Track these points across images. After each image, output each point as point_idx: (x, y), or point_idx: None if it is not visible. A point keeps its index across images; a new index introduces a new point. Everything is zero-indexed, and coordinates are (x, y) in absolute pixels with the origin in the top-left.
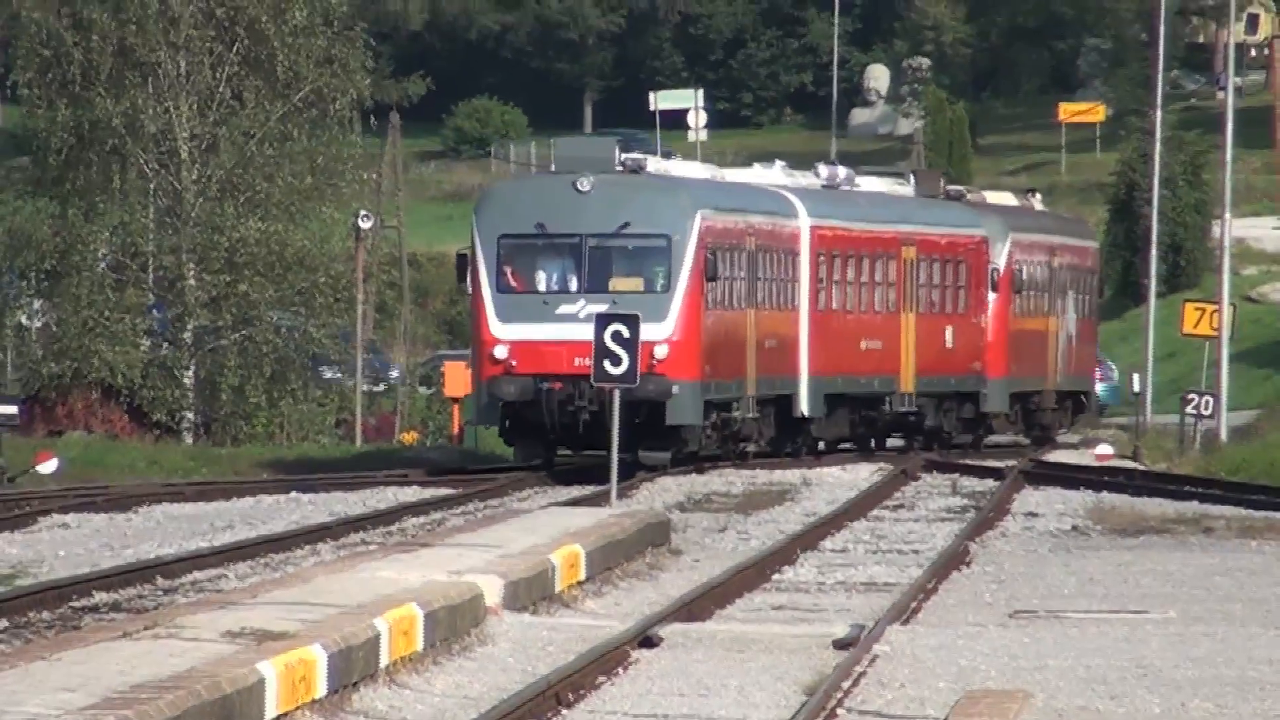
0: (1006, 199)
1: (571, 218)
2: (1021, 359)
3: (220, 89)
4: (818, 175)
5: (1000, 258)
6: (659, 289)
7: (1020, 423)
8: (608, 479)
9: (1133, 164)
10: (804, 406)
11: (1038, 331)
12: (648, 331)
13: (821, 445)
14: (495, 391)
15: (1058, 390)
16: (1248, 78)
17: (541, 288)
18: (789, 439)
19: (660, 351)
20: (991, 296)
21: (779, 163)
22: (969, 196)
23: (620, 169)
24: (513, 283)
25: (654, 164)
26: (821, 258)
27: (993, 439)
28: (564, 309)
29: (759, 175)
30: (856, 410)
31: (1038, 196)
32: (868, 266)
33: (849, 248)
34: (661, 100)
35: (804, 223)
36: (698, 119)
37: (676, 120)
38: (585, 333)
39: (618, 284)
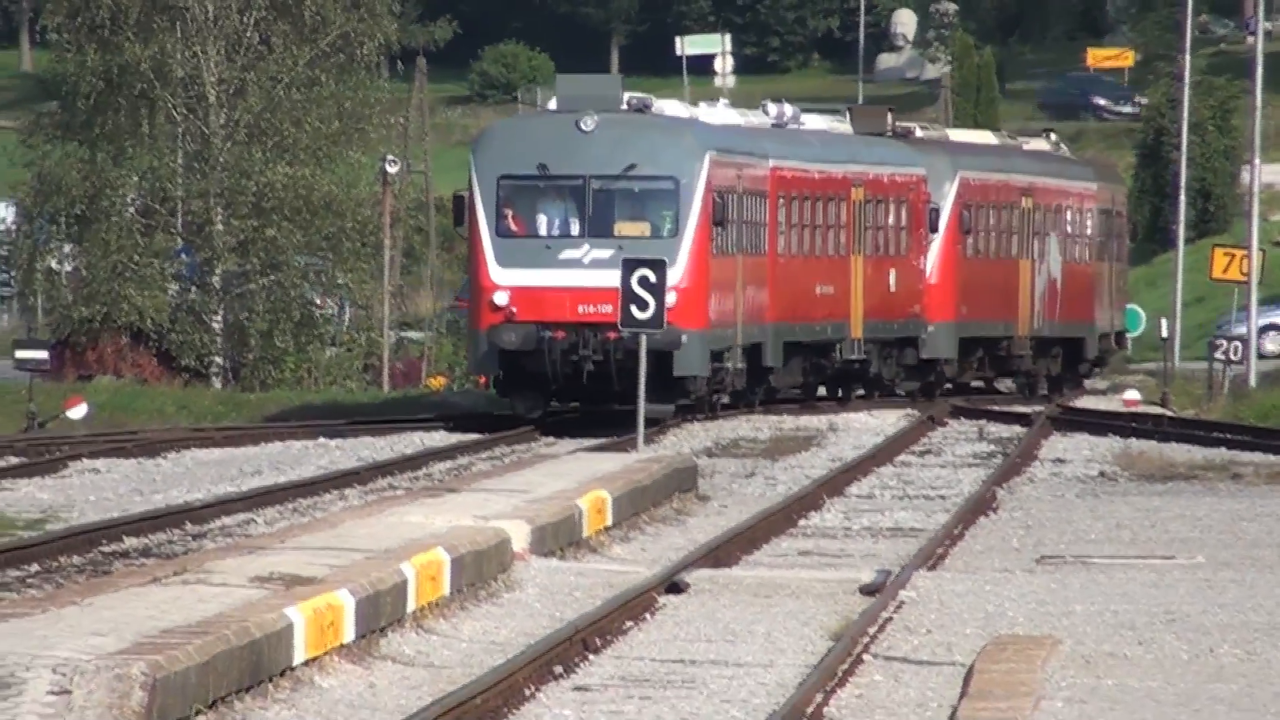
0: (983, 137)
1: (574, 158)
2: (976, 302)
3: (248, 33)
4: (766, 113)
5: (946, 197)
6: (666, 234)
7: (988, 369)
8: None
9: (1161, 109)
10: (769, 355)
11: (1001, 274)
12: None
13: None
14: (495, 340)
15: (1038, 336)
16: (1277, 22)
17: (543, 231)
18: (753, 389)
19: (668, 299)
20: (934, 237)
21: (722, 100)
22: (920, 134)
23: (625, 108)
24: (513, 226)
25: (659, 103)
26: (782, 200)
27: (1005, 384)
28: (567, 254)
29: (709, 114)
30: (809, 358)
31: (1052, 137)
32: (822, 209)
33: (805, 189)
34: (688, 45)
35: (770, 164)
36: (725, 64)
37: (703, 65)
38: (589, 279)
39: (623, 228)
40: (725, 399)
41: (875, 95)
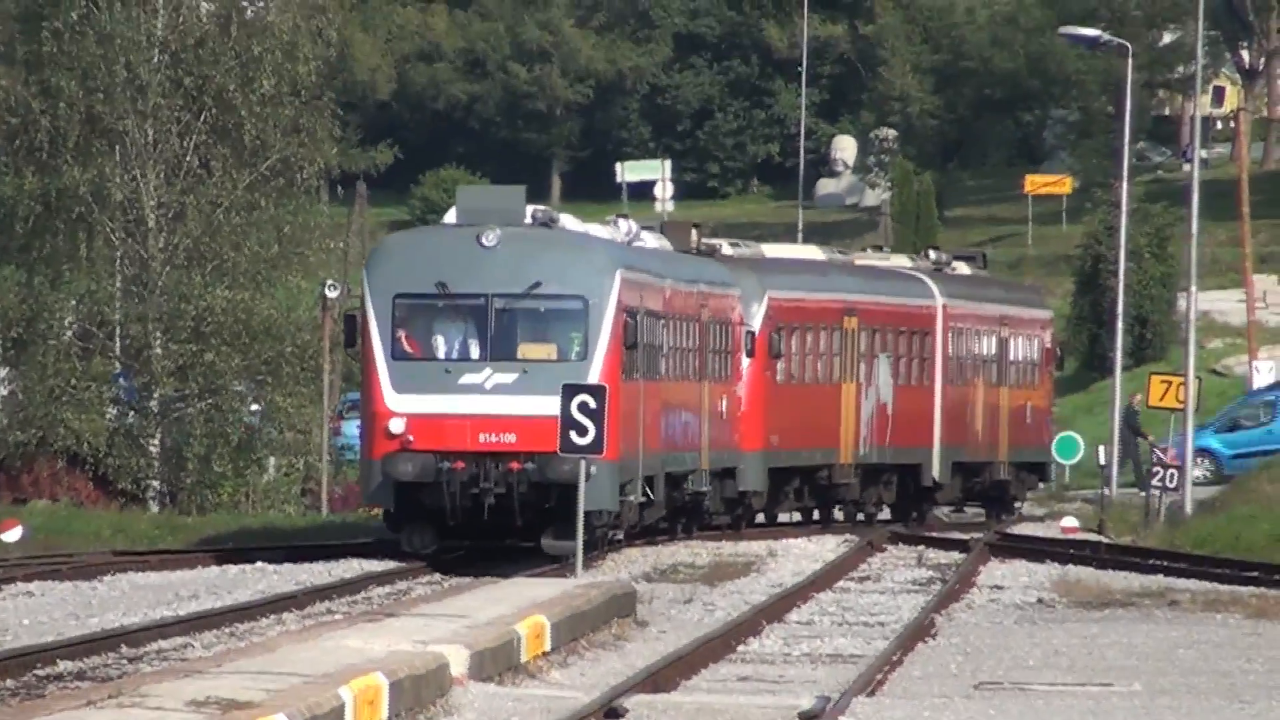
0: (807, 253)
1: (475, 276)
2: (789, 431)
3: (188, 157)
4: (617, 228)
5: (754, 319)
6: (574, 357)
7: (808, 499)
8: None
9: (1098, 236)
10: (658, 487)
11: (818, 400)
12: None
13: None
14: (390, 471)
15: (865, 464)
16: (1214, 150)
17: (441, 354)
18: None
19: None
20: (746, 361)
21: (566, 216)
22: (728, 250)
23: (530, 222)
24: (409, 348)
25: (567, 219)
26: (661, 322)
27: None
28: (467, 379)
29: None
30: (670, 489)
31: (930, 255)
32: (686, 331)
33: (678, 311)
34: (629, 171)
35: (665, 284)
36: (664, 190)
37: (644, 191)
38: (491, 406)
39: (527, 351)
40: (620, 535)
41: (815, 221)
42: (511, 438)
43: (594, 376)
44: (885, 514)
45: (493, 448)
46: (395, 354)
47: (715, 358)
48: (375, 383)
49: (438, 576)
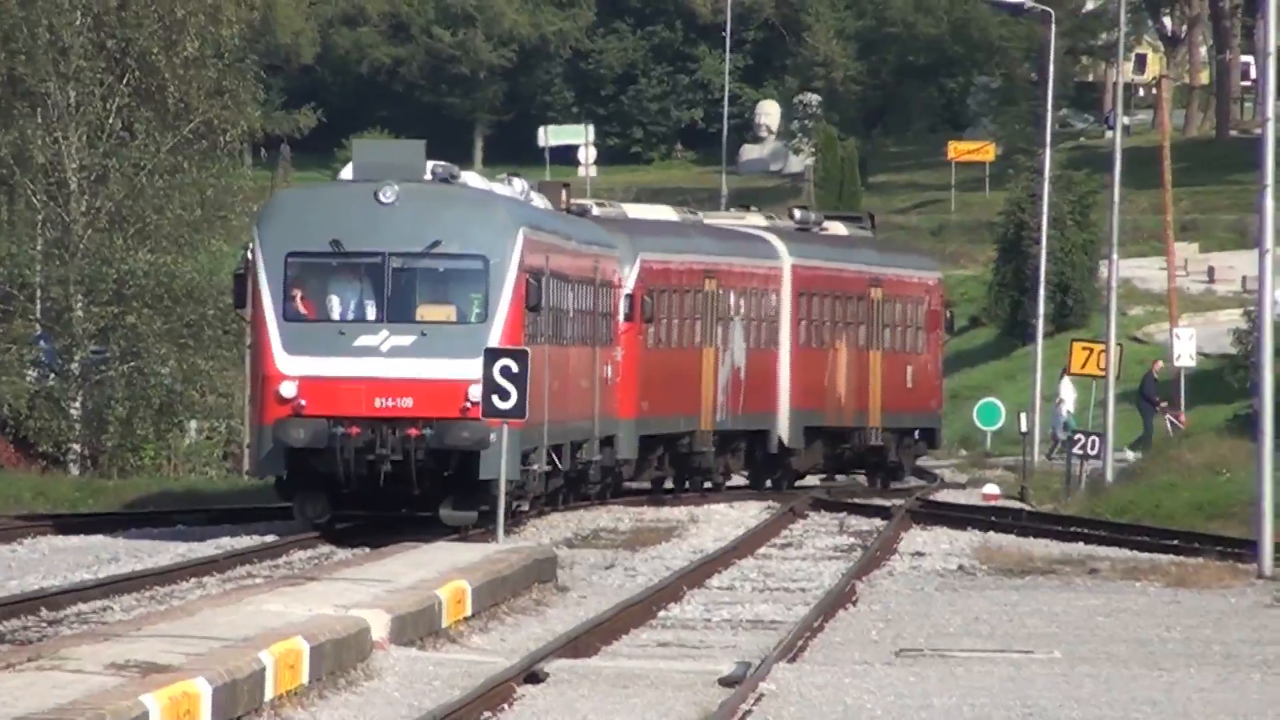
0: (663, 214)
1: (372, 234)
2: (658, 398)
3: (110, 120)
4: (511, 186)
5: (629, 281)
6: (474, 319)
7: (668, 468)
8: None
9: (1021, 203)
10: (560, 456)
11: (684, 365)
12: (460, 368)
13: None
14: (281, 436)
15: (721, 430)
16: (1136, 117)
17: (336, 315)
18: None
19: (475, 392)
20: (624, 326)
21: (469, 173)
22: (597, 211)
23: (429, 178)
24: (302, 309)
25: (469, 176)
26: (562, 284)
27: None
28: (363, 341)
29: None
30: (568, 458)
31: (795, 215)
32: (582, 293)
33: (574, 273)
34: (552, 135)
35: (571, 244)
36: (587, 154)
37: (567, 155)
38: (387, 369)
39: (426, 312)
40: (525, 505)
41: (739, 187)
42: (409, 402)
43: (494, 340)
44: (736, 481)
45: (389, 413)
46: (287, 315)
47: (604, 322)
48: (265, 345)
49: (359, 540)
